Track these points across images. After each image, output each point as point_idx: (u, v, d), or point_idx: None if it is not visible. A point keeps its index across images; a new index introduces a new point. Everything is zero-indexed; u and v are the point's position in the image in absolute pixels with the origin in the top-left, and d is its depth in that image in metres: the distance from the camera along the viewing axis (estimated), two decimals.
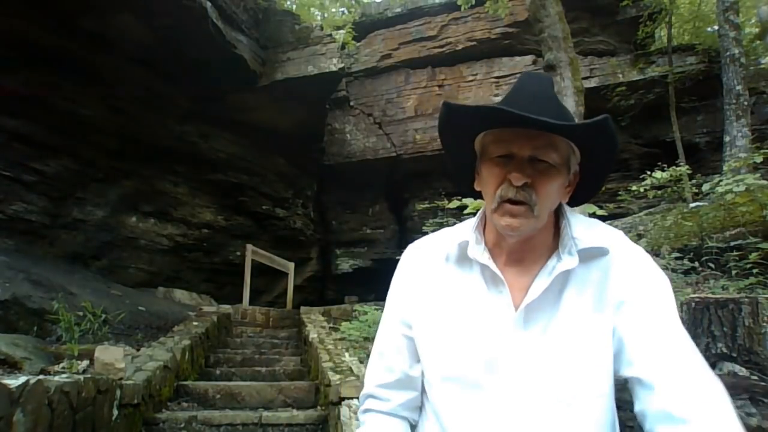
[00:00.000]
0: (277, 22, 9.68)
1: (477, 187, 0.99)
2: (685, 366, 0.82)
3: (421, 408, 1.03)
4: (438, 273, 0.99)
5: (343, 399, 4.02)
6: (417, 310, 1.00)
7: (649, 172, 7.07)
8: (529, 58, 11.31)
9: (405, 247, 1.12)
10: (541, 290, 0.89)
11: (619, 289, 0.90)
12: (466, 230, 0.99)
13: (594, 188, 1.01)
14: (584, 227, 0.94)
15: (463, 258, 0.98)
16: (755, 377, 2.10)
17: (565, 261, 0.90)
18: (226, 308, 8.38)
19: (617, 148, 0.96)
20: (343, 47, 11.10)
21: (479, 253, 0.95)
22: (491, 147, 0.92)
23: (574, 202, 1.01)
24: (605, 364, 0.88)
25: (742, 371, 2.13)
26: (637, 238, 6.17)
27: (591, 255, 0.92)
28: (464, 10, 10.98)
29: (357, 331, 6.37)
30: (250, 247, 9.99)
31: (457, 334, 0.93)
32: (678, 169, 7.35)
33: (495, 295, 0.93)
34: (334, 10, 15.06)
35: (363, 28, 12.43)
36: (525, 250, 0.94)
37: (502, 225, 0.90)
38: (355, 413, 3.63)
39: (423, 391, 1.02)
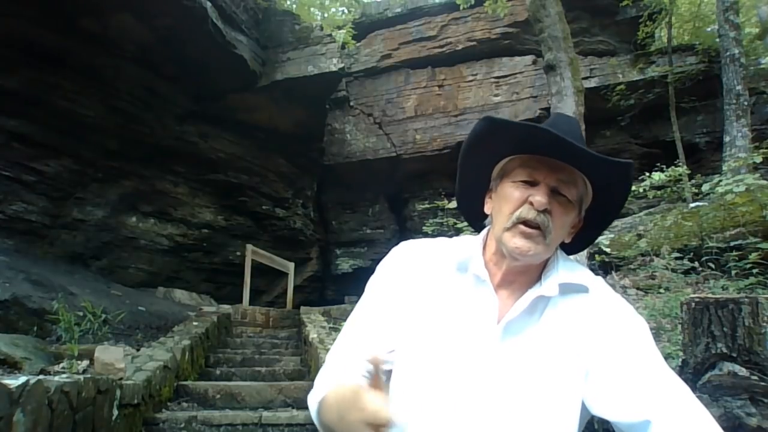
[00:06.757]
0: (277, 22, 9.68)
1: (487, 210, 1.02)
2: (679, 405, 0.84)
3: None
4: (433, 277, 1.01)
5: None
6: (405, 305, 0.99)
7: (648, 173, 7.06)
8: (529, 58, 11.31)
9: None
10: (519, 310, 0.93)
11: (598, 329, 0.93)
12: (469, 245, 1.01)
13: (590, 238, 1.07)
14: (570, 266, 0.99)
15: (461, 270, 1.00)
16: (755, 377, 2.10)
17: (545, 288, 0.94)
18: (226, 308, 8.38)
19: (627, 196, 1.02)
20: (343, 47, 11.09)
21: (481, 269, 0.97)
22: (517, 170, 0.96)
23: (570, 250, 1.05)
24: (569, 393, 0.90)
25: (742, 371, 2.13)
26: (637, 238, 6.17)
27: (572, 290, 0.96)
28: (464, 10, 10.99)
29: None
30: (250, 247, 9.99)
31: (437, 338, 0.94)
32: (678, 169, 7.35)
33: (483, 308, 0.95)
34: (334, 9, 15.05)
35: (363, 28, 12.42)
36: (518, 274, 0.97)
37: (511, 247, 0.92)
38: None
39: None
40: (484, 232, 1.04)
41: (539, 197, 0.90)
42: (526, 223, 0.91)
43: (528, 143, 0.94)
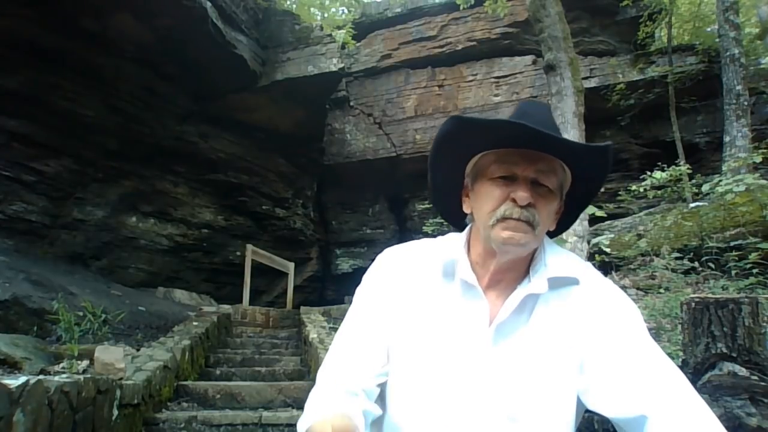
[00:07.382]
0: (277, 22, 9.68)
1: (467, 209, 0.99)
2: (675, 398, 0.82)
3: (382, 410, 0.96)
4: (420, 284, 0.98)
5: None
6: (395, 315, 0.97)
7: (648, 173, 7.06)
8: (529, 58, 11.31)
9: None
10: (509, 311, 0.90)
11: (589, 321, 0.91)
12: (453, 247, 0.98)
13: (571, 220, 1.04)
14: (557, 256, 0.96)
15: (447, 274, 0.97)
16: (755, 377, 2.10)
17: (533, 284, 0.92)
18: (226, 308, 8.38)
19: (605, 177, 0.99)
20: (343, 47, 11.09)
21: (467, 272, 0.94)
22: (492, 167, 0.92)
23: (551, 234, 1.02)
24: (565, 390, 0.88)
25: (742, 371, 2.13)
26: (637, 238, 6.17)
27: (561, 284, 0.93)
28: (464, 10, 11.00)
29: None
30: (250, 247, 9.99)
31: (430, 346, 0.92)
32: (678, 169, 7.35)
33: (473, 312, 0.93)
34: (334, 9, 15.06)
35: (363, 28, 12.42)
36: (506, 271, 0.94)
37: (503, 237, 0.88)
38: None
39: (381, 396, 0.96)
40: (467, 230, 1.01)
41: (521, 192, 0.87)
42: (510, 219, 0.88)
43: (502, 138, 0.90)
